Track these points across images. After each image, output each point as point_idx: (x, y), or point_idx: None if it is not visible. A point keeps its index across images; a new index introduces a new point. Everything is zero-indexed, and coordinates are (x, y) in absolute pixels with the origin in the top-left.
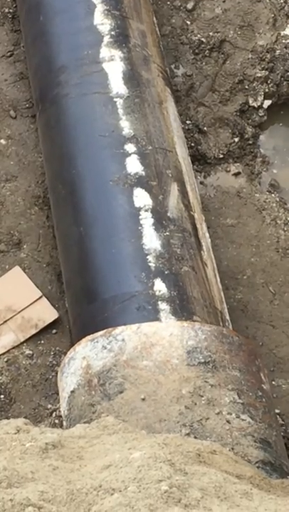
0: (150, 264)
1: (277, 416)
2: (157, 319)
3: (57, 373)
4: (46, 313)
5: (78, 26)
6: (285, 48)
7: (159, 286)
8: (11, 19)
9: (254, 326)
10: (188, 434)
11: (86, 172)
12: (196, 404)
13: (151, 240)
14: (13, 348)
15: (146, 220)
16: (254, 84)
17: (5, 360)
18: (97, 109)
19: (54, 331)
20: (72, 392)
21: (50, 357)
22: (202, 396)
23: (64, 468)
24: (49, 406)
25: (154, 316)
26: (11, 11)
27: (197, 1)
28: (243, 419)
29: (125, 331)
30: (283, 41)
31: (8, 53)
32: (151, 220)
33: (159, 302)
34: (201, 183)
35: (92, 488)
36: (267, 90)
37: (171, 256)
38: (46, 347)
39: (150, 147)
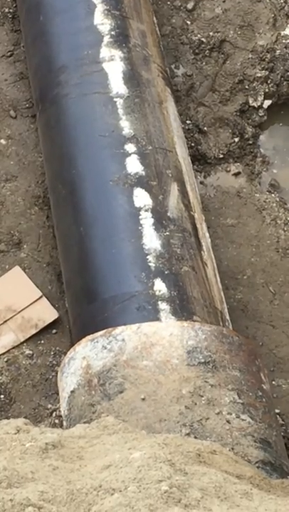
0: (150, 264)
1: (277, 416)
2: (157, 319)
3: (57, 373)
4: (46, 313)
5: (78, 26)
6: (285, 47)
7: (159, 286)
8: (11, 19)
9: (254, 326)
10: (188, 434)
11: (86, 172)
12: (196, 404)
13: (152, 240)
14: (13, 348)
15: (147, 220)
16: (254, 84)
17: (5, 360)
18: (97, 109)
19: (54, 330)
20: (72, 392)
21: (50, 357)
22: (202, 396)
23: (64, 468)
24: (49, 406)
25: (154, 316)
26: (11, 10)
27: (197, 1)
28: (243, 419)
29: (125, 330)
30: (283, 41)
31: (8, 53)
32: (152, 220)
33: (159, 302)
34: (201, 183)
35: (92, 488)
36: (267, 90)
37: (171, 256)
38: (46, 347)
39: (150, 147)
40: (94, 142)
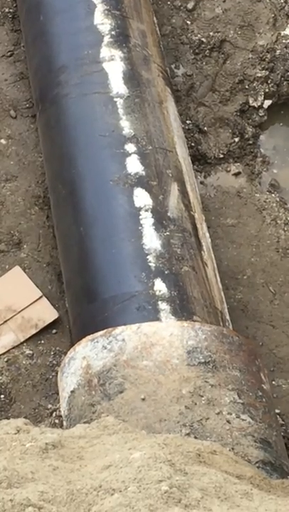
0: (150, 264)
1: (278, 416)
2: (157, 319)
3: (57, 373)
4: (46, 313)
5: (78, 26)
6: (286, 47)
7: (159, 286)
8: (11, 19)
9: (254, 326)
10: (188, 434)
11: (86, 172)
12: (196, 404)
13: (152, 240)
14: (13, 348)
15: (147, 220)
16: (254, 84)
17: (5, 360)
18: (97, 109)
19: (54, 330)
20: (72, 392)
21: (50, 357)
22: (202, 396)
23: (64, 468)
24: (49, 406)
25: (154, 316)
26: (11, 10)
27: (197, 0)
28: (243, 419)
29: (125, 330)
30: (283, 41)
31: (9, 53)
32: (152, 220)
33: (159, 302)
34: (202, 183)
35: (92, 488)
36: (267, 90)
37: (172, 256)
38: (46, 347)
39: (150, 147)
40: (94, 142)
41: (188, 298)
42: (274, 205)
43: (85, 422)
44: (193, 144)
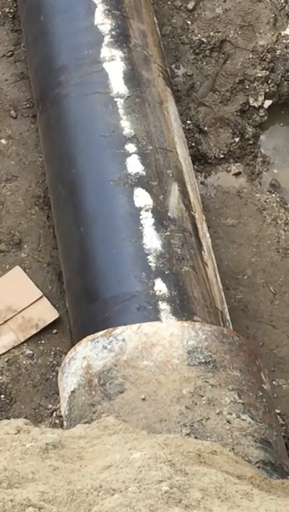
0: (150, 264)
1: (278, 416)
2: (158, 319)
3: (57, 373)
4: (47, 313)
5: (79, 26)
6: (286, 47)
7: (160, 286)
8: (12, 19)
9: (254, 326)
10: (188, 434)
11: (86, 172)
12: (196, 404)
13: (152, 240)
14: (14, 348)
15: (147, 220)
16: (255, 84)
17: (5, 360)
18: (97, 109)
19: (54, 330)
20: (72, 392)
21: (50, 357)
22: (202, 396)
23: (64, 468)
24: (49, 406)
25: (154, 316)
26: (11, 10)
27: (198, 0)
28: (243, 419)
29: (126, 330)
30: (284, 41)
31: (9, 53)
32: (152, 220)
33: (160, 302)
34: (202, 183)
35: (92, 488)
36: (267, 90)
37: (172, 256)
38: (47, 347)
39: (151, 147)
40: (94, 142)
41: (188, 298)
42: (274, 205)
43: (85, 422)
44: (193, 144)
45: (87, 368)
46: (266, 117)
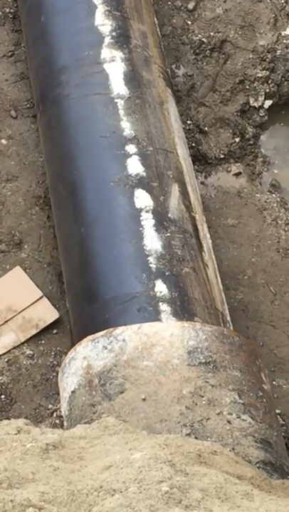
0: (151, 265)
1: (278, 416)
2: (158, 320)
3: (58, 373)
4: (47, 313)
5: (79, 27)
6: (286, 48)
7: (160, 288)
8: (12, 19)
9: (255, 326)
10: (188, 435)
11: (87, 173)
12: (196, 404)
13: (152, 241)
14: (14, 348)
15: (147, 221)
16: (255, 85)
17: (6, 360)
18: (98, 110)
19: (55, 331)
20: (72, 392)
21: (50, 357)
22: (203, 396)
23: (65, 468)
24: (50, 406)
25: (154, 317)
26: (11, 11)
27: (198, 1)
28: (243, 420)
29: (126, 331)
30: (284, 41)
31: (9, 53)
32: (152, 221)
33: (160, 303)
34: (202, 183)
35: (92, 488)
36: (268, 90)
37: (172, 257)
38: (47, 347)
39: (151, 148)
40: (95, 143)
41: (189, 299)
42: (275, 205)
43: (85, 423)
44: (193, 144)
45: (87, 368)
46: (266, 117)
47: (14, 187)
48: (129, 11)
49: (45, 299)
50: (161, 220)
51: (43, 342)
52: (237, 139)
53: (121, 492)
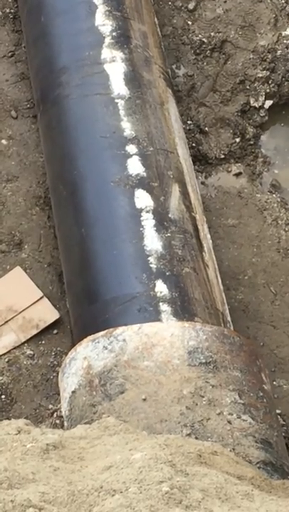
0: (151, 265)
1: (278, 416)
2: (158, 321)
3: (58, 374)
4: (47, 313)
5: (79, 27)
6: (287, 48)
7: (161, 288)
8: (12, 19)
9: (255, 327)
10: (189, 435)
11: (87, 173)
12: (197, 404)
13: (153, 241)
14: (14, 348)
15: (148, 221)
16: (255, 85)
17: (6, 360)
18: (98, 110)
19: (55, 331)
20: (73, 392)
21: (51, 357)
22: (203, 396)
23: (65, 469)
24: (50, 406)
25: (155, 317)
26: (12, 11)
27: (198, 1)
28: (244, 420)
29: (126, 331)
30: (284, 41)
31: (10, 53)
32: (153, 222)
33: (161, 303)
34: (202, 183)
35: (93, 489)
36: (268, 90)
37: (173, 257)
38: (47, 347)
39: (151, 148)
40: (95, 143)
41: (189, 299)
42: (275, 205)
43: (85, 423)
44: (194, 145)
45: (87, 369)
46: (267, 117)
47: (14, 187)
48: (130, 11)
49: (45, 299)
50: (162, 221)
51: (43, 342)
52: (237, 139)
53: (121, 492)
